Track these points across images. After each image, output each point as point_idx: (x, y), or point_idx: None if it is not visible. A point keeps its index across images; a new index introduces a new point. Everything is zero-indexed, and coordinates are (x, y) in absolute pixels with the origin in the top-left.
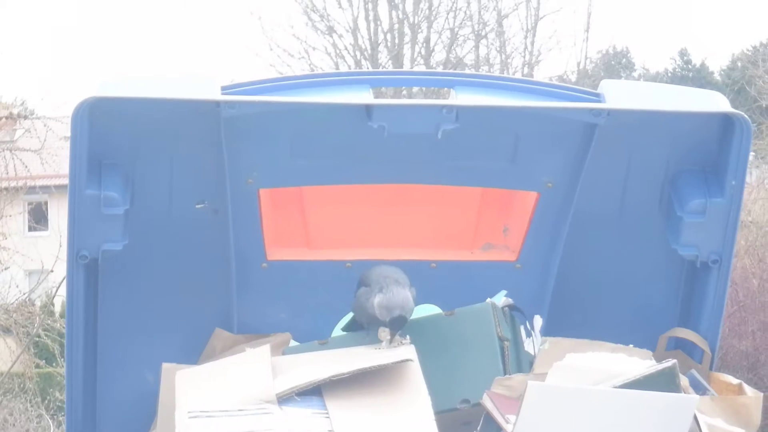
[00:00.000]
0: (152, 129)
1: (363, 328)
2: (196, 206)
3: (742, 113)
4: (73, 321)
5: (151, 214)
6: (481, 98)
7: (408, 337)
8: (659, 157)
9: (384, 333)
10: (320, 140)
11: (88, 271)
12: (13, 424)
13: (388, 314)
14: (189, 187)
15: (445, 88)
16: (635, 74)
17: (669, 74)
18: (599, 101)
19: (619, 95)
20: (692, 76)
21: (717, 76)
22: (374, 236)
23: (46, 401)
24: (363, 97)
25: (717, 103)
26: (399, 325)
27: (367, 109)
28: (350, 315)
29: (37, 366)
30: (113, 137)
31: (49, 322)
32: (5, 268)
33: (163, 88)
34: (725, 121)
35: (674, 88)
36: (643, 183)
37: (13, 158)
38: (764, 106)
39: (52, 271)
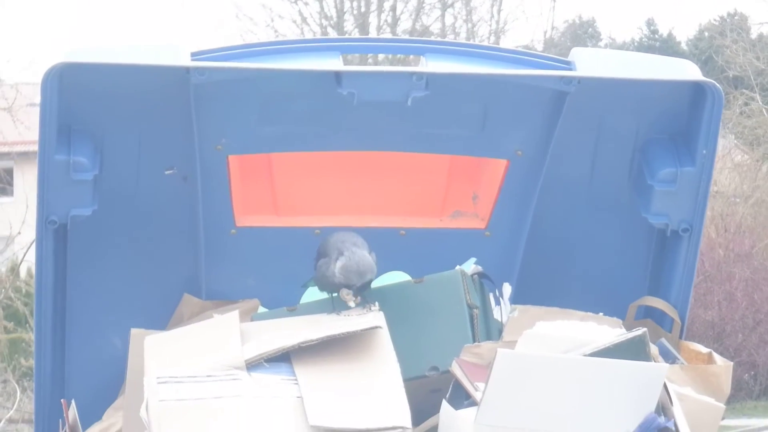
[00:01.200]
0: (122, 95)
1: None
2: (165, 172)
3: (714, 81)
4: (42, 286)
5: (120, 179)
6: (451, 66)
7: (377, 303)
8: (629, 125)
9: (348, 295)
10: (289, 107)
11: (57, 236)
12: None
13: (351, 276)
14: (158, 153)
15: (413, 56)
16: (601, 44)
17: (635, 44)
18: (570, 69)
19: (590, 63)
20: (659, 45)
21: (684, 46)
22: (343, 203)
23: (11, 366)
24: (333, 63)
25: (688, 71)
26: (363, 286)
27: (337, 76)
28: None
29: (6, 329)
30: (83, 103)
31: (17, 284)
32: None
33: (133, 55)
34: (696, 89)
35: (645, 56)
36: (613, 151)
37: None
38: (731, 76)
39: (19, 233)
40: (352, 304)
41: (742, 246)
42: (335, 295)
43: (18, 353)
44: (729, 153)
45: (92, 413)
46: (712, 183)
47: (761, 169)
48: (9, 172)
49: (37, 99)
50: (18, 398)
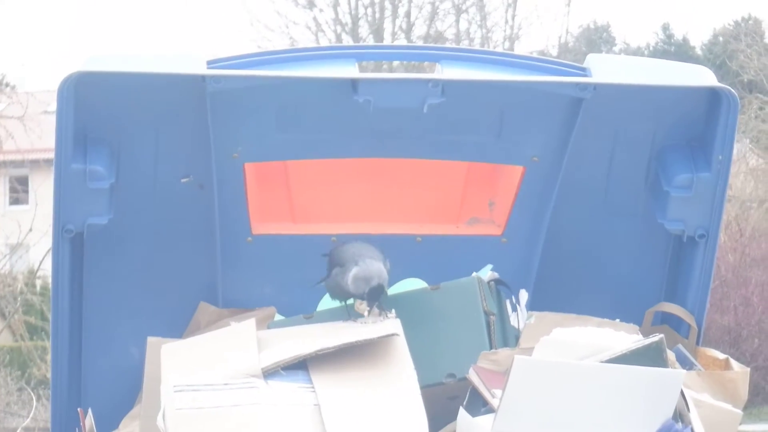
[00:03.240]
0: (138, 104)
1: None
2: (182, 180)
3: (729, 87)
4: (58, 294)
5: (136, 188)
6: (467, 72)
7: (393, 311)
8: (645, 131)
9: (361, 306)
10: (305, 114)
11: (73, 245)
12: None
13: (364, 285)
14: (174, 161)
15: (428, 63)
16: (616, 49)
17: (650, 49)
18: (586, 75)
19: (606, 69)
20: (674, 50)
21: (698, 51)
22: (359, 210)
23: (26, 375)
24: (349, 71)
25: (704, 77)
26: (376, 295)
27: (353, 83)
28: None
29: (22, 338)
30: (99, 112)
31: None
32: None
33: (148, 64)
34: (712, 95)
35: (660, 62)
36: (629, 158)
37: None
38: (745, 80)
39: (34, 244)
40: (365, 314)
41: (758, 250)
42: (350, 302)
43: (34, 362)
44: (744, 157)
45: (109, 422)
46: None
47: None
48: (23, 180)
49: (52, 106)
50: (34, 407)
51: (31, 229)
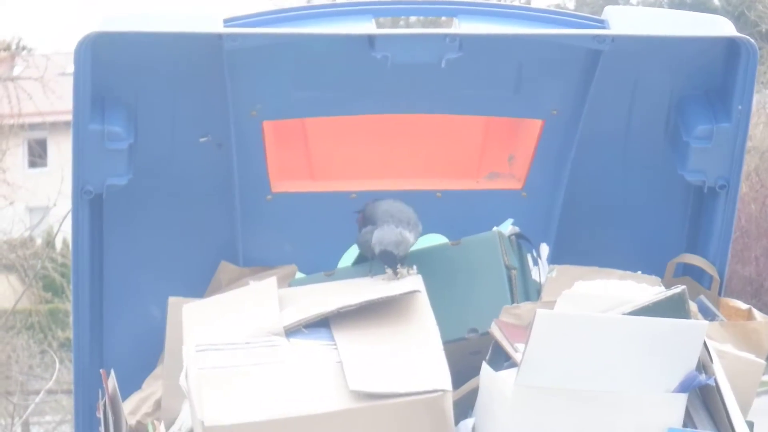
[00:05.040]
0: (155, 63)
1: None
2: (200, 140)
3: (748, 37)
4: (79, 256)
5: (154, 148)
6: (484, 26)
7: (415, 267)
8: (664, 82)
9: (388, 270)
10: (323, 71)
11: (92, 206)
12: (17, 361)
13: (385, 250)
14: (192, 120)
15: (445, 18)
16: (633, 1)
17: (668, 0)
18: (604, 27)
19: (624, 21)
20: (691, 1)
21: (716, 2)
22: (378, 167)
23: (48, 338)
24: (366, 27)
25: (722, 27)
26: (391, 260)
27: (370, 40)
28: (355, 247)
29: (44, 300)
30: (116, 72)
31: (52, 256)
32: (9, 203)
33: (165, 23)
34: (730, 45)
35: (678, 13)
36: (648, 109)
37: (15, 88)
38: (764, 30)
39: (55, 205)
40: (390, 274)
41: None
42: (373, 260)
43: (56, 324)
44: (764, 107)
45: (131, 383)
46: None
47: None
48: (42, 144)
49: (69, 68)
50: (57, 369)
51: (54, 198)
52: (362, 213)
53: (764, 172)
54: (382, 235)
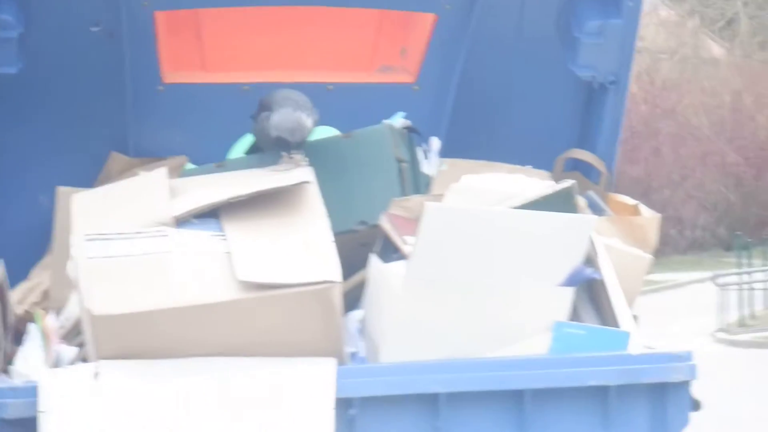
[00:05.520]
0: None
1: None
2: (91, 29)
3: None
4: None
5: (46, 37)
6: None
7: (306, 159)
8: None
9: (284, 155)
10: None
11: None
12: None
13: (283, 133)
14: (84, 10)
15: None
16: None
17: None
18: None
19: None
20: None
21: None
22: (271, 58)
23: None
24: None
25: None
26: (285, 143)
27: None
28: (246, 138)
29: None
30: None
31: None
32: None
33: None
34: None
35: None
36: (540, 5)
37: None
38: None
39: None
40: (283, 164)
41: (668, 101)
42: (265, 151)
43: None
44: (655, 9)
45: (19, 272)
46: (638, 38)
47: (687, 25)
48: None
49: None
50: None
51: None
52: (259, 102)
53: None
54: (280, 120)
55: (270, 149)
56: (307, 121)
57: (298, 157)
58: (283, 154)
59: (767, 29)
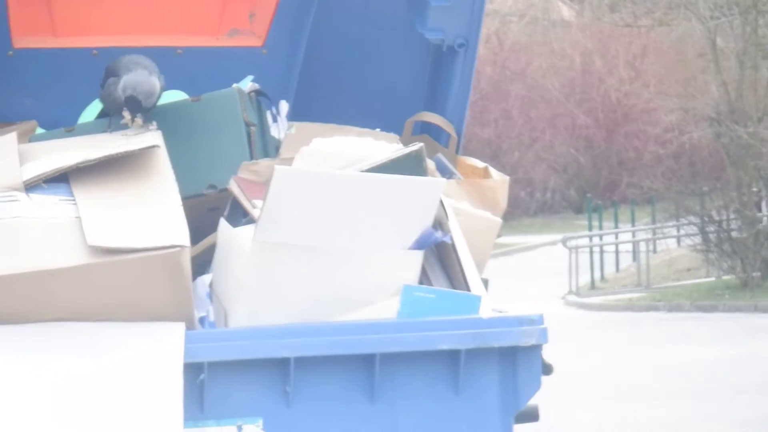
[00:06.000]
0: None
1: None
2: None
3: None
4: None
5: None
6: None
7: (154, 123)
8: None
9: (127, 115)
10: None
11: None
12: None
13: (133, 95)
14: None
15: None
16: None
17: None
18: None
19: None
20: None
21: None
22: (120, 23)
23: None
24: None
25: None
26: (134, 105)
27: None
28: (96, 103)
29: None
30: None
31: None
32: None
33: None
34: None
35: None
36: None
37: None
38: None
39: None
40: (130, 125)
41: (518, 64)
42: (114, 116)
43: None
44: None
45: None
46: (488, 1)
47: None
48: None
49: None
50: None
51: None
52: (105, 70)
53: (504, 35)
54: (135, 81)
55: (118, 115)
56: (158, 84)
57: (139, 121)
58: (132, 117)
59: None
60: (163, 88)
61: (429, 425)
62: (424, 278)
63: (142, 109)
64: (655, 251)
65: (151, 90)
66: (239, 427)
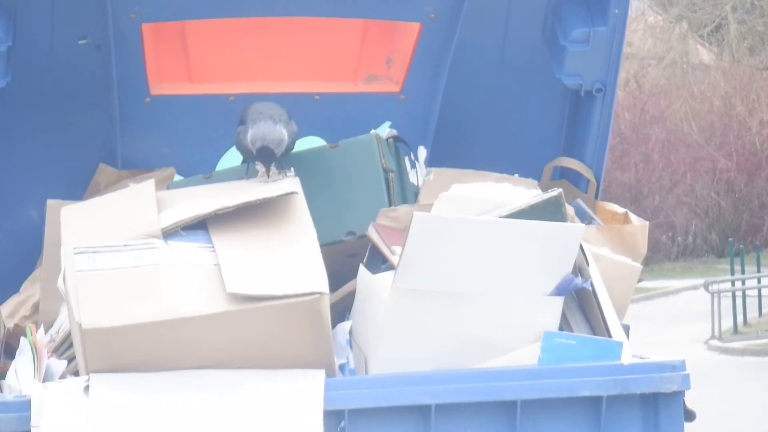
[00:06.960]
0: None
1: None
2: (79, 42)
3: None
4: None
5: (33, 50)
6: None
7: (292, 169)
8: None
9: (259, 165)
10: None
11: None
12: None
13: (254, 146)
14: (71, 22)
15: None
16: None
17: None
18: None
19: None
20: None
21: None
22: (257, 69)
23: None
24: None
25: None
26: (265, 156)
27: None
28: (233, 150)
29: None
30: None
31: None
32: None
33: None
34: None
35: None
36: (525, 13)
37: None
38: None
39: None
40: (266, 177)
41: (657, 107)
42: (251, 162)
43: None
44: (642, 14)
45: (10, 286)
46: (625, 44)
47: (675, 30)
48: None
49: None
50: None
51: None
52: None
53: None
54: (263, 132)
55: (252, 162)
56: (285, 132)
57: (275, 170)
58: (267, 168)
59: (756, 34)
60: (295, 133)
61: None
62: (565, 324)
63: (275, 158)
64: None
65: (280, 138)
66: None
